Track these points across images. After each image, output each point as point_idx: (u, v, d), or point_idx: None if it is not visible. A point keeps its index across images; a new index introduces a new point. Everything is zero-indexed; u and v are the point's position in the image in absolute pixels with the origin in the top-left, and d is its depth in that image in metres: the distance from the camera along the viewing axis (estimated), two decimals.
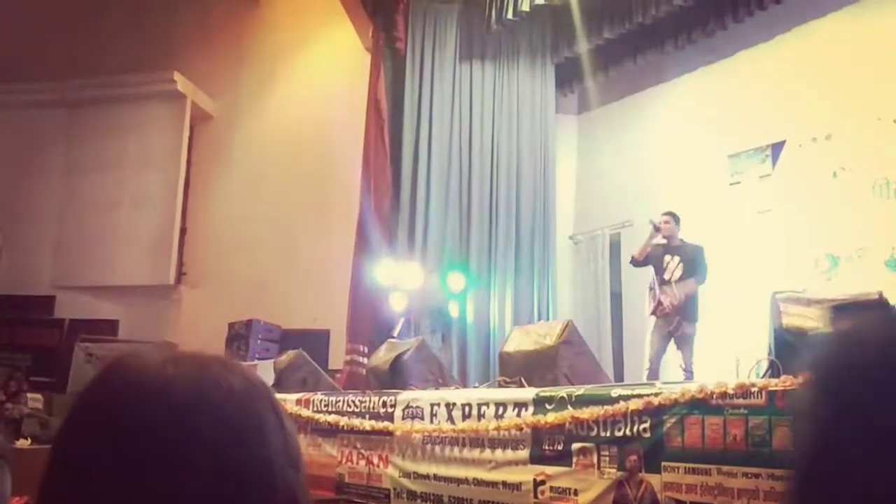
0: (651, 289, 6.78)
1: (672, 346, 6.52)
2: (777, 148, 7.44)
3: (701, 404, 3.65)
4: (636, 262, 6.95)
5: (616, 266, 8.47)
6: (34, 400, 8.17)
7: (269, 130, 10.27)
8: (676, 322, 6.47)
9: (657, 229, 6.74)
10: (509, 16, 8.11)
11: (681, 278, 6.52)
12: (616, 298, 8.54)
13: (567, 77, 9.09)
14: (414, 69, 8.51)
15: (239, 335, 8.63)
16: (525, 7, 7.93)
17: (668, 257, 6.64)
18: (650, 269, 6.73)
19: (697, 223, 7.85)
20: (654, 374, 6.38)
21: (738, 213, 7.68)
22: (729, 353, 6.70)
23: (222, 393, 0.63)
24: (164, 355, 0.65)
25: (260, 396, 0.66)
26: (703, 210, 7.88)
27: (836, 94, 7.04)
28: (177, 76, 10.04)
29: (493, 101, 8.67)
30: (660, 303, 6.61)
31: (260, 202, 9.90)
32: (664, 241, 6.74)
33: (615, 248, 8.58)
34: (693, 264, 6.56)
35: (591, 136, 9.37)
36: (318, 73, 10.12)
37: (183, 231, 10.18)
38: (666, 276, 6.59)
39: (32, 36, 10.75)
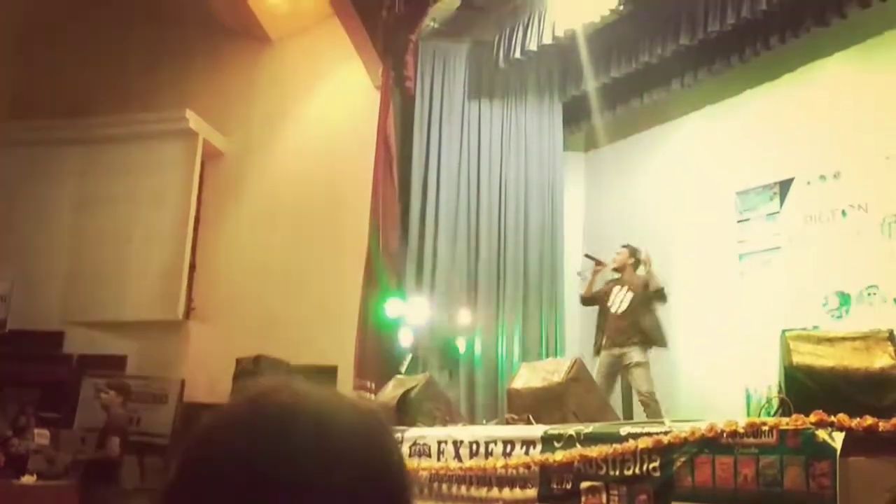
0: (597, 327, 6.76)
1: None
2: (785, 185, 7.46)
3: (711, 443, 3.62)
4: (584, 300, 6.97)
5: None
6: (41, 436, 8.15)
7: (279, 167, 10.36)
8: (618, 354, 6.42)
9: (599, 263, 6.76)
10: (517, 55, 8.21)
11: (628, 308, 6.49)
12: None
13: (574, 115, 9.16)
14: (423, 107, 8.60)
15: (246, 371, 8.60)
16: (533, 47, 8.03)
17: (616, 289, 6.63)
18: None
19: (706, 260, 7.85)
20: None
21: (746, 251, 7.67)
22: (738, 389, 6.66)
23: (359, 429, 0.67)
24: (292, 388, 0.69)
25: (385, 432, 0.70)
26: (711, 247, 7.89)
27: (844, 133, 7.07)
28: (189, 114, 10.17)
29: (501, 138, 8.74)
30: (602, 338, 6.58)
31: (269, 238, 9.96)
32: (617, 275, 6.73)
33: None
34: (645, 290, 6.49)
35: (599, 174, 9.41)
36: (328, 111, 10.24)
37: (192, 267, 10.22)
38: (612, 309, 6.55)
39: (50, 75, 10.95)
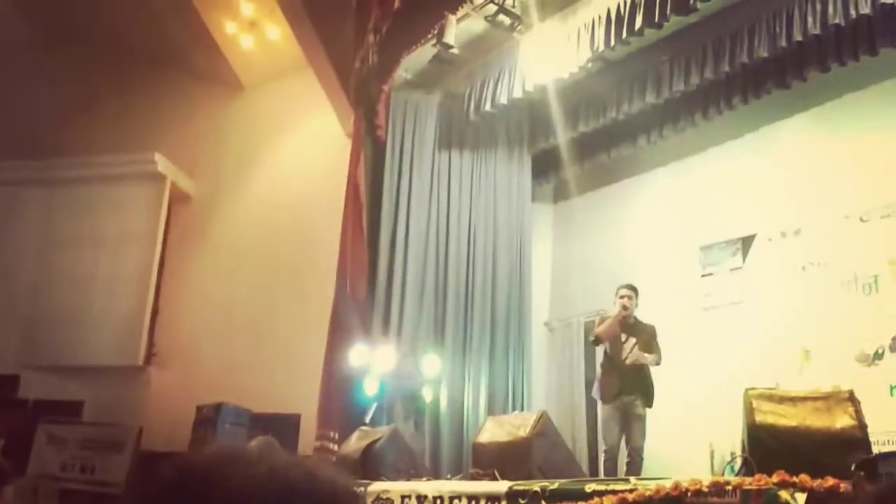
0: (602, 367, 6.69)
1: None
2: (747, 241, 7.60)
3: (675, 502, 3.61)
4: (598, 341, 6.78)
5: (591, 353, 8.47)
6: None
7: (247, 212, 10.31)
8: (629, 402, 6.42)
9: (625, 308, 6.63)
10: (487, 108, 8.33)
11: (637, 360, 6.49)
12: (590, 386, 8.51)
13: (543, 167, 9.30)
14: (394, 156, 8.65)
15: (207, 419, 8.42)
16: (503, 100, 8.16)
17: (623, 336, 6.56)
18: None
19: (671, 313, 7.92)
20: (612, 461, 6.30)
21: (710, 305, 7.76)
22: (702, 444, 6.67)
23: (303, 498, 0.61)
24: (255, 455, 0.66)
25: None
26: (676, 301, 7.96)
27: (804, 191, 7.26)
28: (158, 157, 10.11)
29: (470, 189, 8.81)
30: (607, 385, 6.54)
31: (234, 284, 9.85)
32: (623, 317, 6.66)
33: (589, 335, 8.59)
34: (649, 345, 6.53)
35: (567, 225, 9.51)
36: (298, 158, 10.25)
37: (155, 312, 10.05)
38: (625, 357, 6.53)
39: (16, 114, 10.82)
